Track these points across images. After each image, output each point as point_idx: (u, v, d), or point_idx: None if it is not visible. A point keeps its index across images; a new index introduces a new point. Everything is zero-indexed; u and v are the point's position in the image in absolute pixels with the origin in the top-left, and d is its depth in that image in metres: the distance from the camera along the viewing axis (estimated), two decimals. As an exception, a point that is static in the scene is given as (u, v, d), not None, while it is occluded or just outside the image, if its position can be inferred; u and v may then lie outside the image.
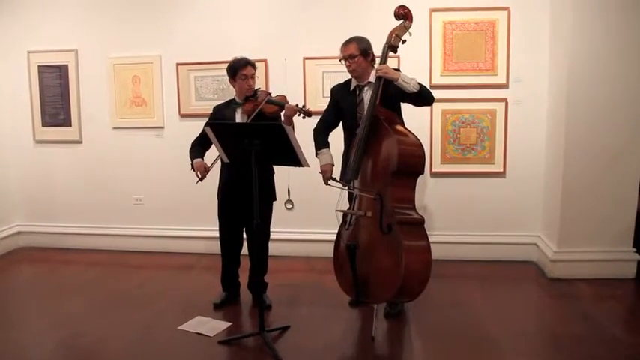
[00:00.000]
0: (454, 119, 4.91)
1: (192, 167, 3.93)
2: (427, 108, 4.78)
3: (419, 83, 3.57)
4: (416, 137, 3.52)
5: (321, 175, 3.80)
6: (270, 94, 3.89)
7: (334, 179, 3.75)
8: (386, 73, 3.54)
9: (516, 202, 4.95)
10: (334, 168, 3.82)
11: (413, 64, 4.64)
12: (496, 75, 4.81)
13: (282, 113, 3.80)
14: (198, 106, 5.19)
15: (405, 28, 3.62)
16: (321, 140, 3.88)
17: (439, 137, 4.95)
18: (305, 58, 5.01)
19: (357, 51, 3.66)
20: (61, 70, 5.47)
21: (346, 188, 3.69)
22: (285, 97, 3.89)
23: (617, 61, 4.26)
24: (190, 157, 3.98)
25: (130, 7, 5.28)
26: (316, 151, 3.85)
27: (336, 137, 3.95)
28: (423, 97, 3.60)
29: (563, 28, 4.42)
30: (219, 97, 4.83)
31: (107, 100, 5.45)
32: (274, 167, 4.02)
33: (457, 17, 4.80)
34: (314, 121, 3.93)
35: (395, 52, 3.67)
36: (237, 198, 3.92)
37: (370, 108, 3.55)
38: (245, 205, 3.84)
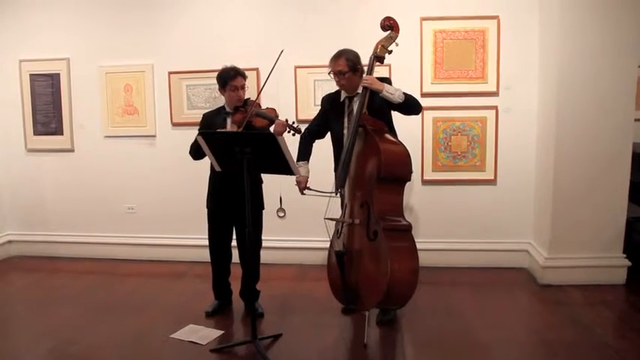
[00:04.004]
0: (445, 127, 4.94)
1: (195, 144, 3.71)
2: (418, 116, 4.84)
3: (404, 93, 3.59)
4: (402, 144, 3.54)
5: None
6: (260, 105, 3.89)
7: (308, 188, 3.82)
8: (371, 85, 3.56)
9: (507, 209, 4.97)
10: (310, 179, 3.88)
11: (404, 73, 4.70)
12: (486, 83, 4.85)
13: (271, 128, 3.80)
14: (191, 114, 5.18)
15: (391, 39, 3.64)
16: (302, 151, 3.94)
17: (430, 145, 4.97)
18: (296, 67, 5.03)
19: (346, 67, 3.66)
20: (53, 79, 5.47)
21: (324, 194, 3.70)
22: (274, 110, 3.89)
23: (607, 67, 4.29)
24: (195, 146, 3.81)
25: (122, 16, 5.29)
26: (296, 161, 3.85)
27: (325, 148, 3.98)
28: (409, 106, 3.63)
29: (552, 34, 4.46)
30: (212, 106, 4.81)
31: (99, 109, 5.44)
32: (262, 177, 4.02)
33: (447, 26, 4.84)
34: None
35: (381, 62, 3.68)
36: (228, 207, 3.92)
37: (357, 117, 3.57)
38: (235, 213, 3.86)
